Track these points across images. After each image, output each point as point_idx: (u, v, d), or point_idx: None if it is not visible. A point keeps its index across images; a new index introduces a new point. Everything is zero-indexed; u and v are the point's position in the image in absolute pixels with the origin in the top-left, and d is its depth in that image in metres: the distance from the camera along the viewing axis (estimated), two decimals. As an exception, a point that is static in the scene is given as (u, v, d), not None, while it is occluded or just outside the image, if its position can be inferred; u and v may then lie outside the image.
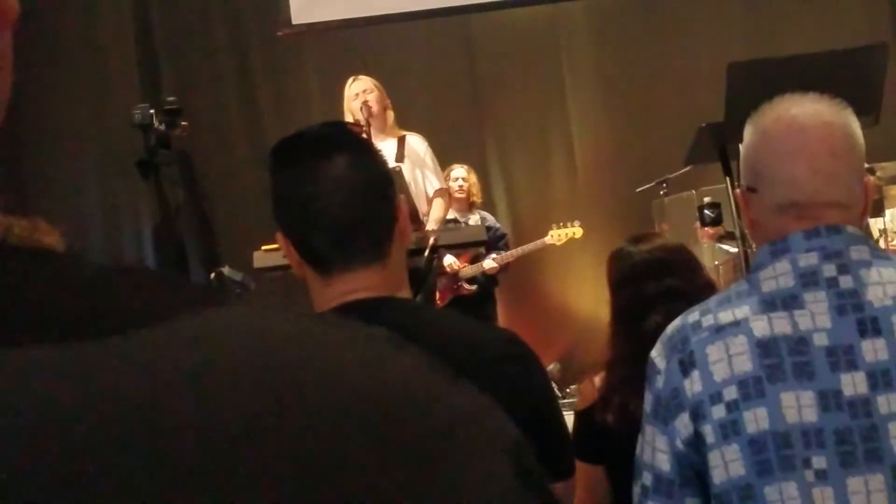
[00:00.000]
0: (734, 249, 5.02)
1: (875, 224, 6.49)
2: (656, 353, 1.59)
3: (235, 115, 7.74)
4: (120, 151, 6.38)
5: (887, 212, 6.38)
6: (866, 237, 1.55)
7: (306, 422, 0.42)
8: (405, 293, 1.69)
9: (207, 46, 7.73)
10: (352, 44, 7.56)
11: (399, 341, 0.50)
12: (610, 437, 2.48)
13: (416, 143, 5.35)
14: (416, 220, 5.23)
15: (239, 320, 0.47)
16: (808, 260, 1.51)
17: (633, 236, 2.72)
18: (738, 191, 1.66)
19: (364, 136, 1.76)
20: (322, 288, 1.63)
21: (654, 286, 2.51)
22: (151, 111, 3.91)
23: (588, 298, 7.28)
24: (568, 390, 6.98)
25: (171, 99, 4.36)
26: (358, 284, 1.60)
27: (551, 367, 7.03)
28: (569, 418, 2.61)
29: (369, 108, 5.10)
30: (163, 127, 4.06)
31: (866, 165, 1.64)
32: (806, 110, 1.58)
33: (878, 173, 5.90)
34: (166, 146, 4.05)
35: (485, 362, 1.51)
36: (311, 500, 0.40)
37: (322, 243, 1.60)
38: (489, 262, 6.25)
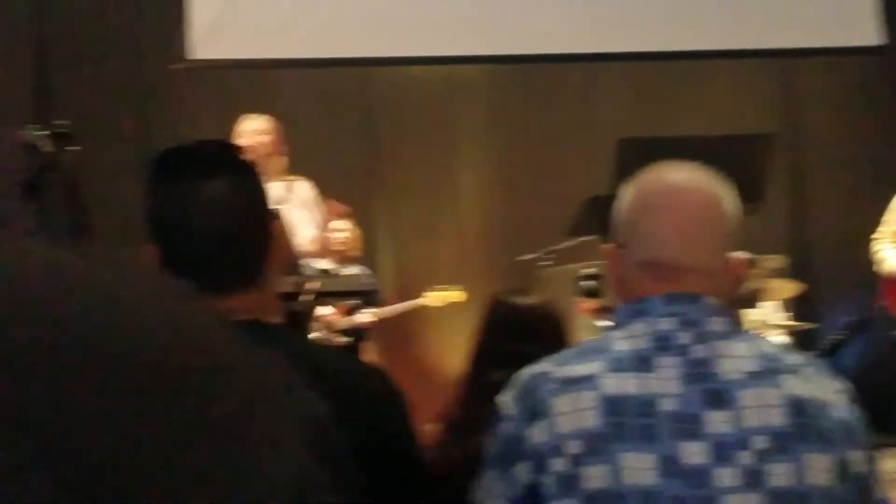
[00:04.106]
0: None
1: (749, 316, 6.57)
2: (506, 399, 1.56)
3: (127, 143, 7.53)
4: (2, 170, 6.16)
5: (765, 304, 6.49)
6: (726, 309, 1.56)
7: (68, 360, 0.36)
8: (276, 319, 1.66)
9: (100, 74, 7.53)
10: (247, 83, 7.49)
11: (195, 298, 0.44)
12: None
13: (303, 190, 5.31)
14: (295, 265, 5.17)
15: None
16: (665, 325, 1.51)
17: (513, 289, 2.73)
18: (605, 246, 1.65)
19: (247, 158, 1.75)
20: None
21: (515, 346, 2.52)
22: (44, 132, 3.81)
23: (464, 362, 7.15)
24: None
25: (61, 122, 4.25)
26: (230, 306, 1.55)
27: (426, 429, 6.95)
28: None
29: (264, 147, 5.01)
30: (50, 149, 3.95)
31: (748, 255, 1.67)
32: (682, 175, 1.60)
33: (765, 264, 6.01)
34: (53, 170, 3.94)
35: (355, 393, 1.52)
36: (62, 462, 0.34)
37: (194, 263, 1.57)
38: (366, 317, 6.18)
